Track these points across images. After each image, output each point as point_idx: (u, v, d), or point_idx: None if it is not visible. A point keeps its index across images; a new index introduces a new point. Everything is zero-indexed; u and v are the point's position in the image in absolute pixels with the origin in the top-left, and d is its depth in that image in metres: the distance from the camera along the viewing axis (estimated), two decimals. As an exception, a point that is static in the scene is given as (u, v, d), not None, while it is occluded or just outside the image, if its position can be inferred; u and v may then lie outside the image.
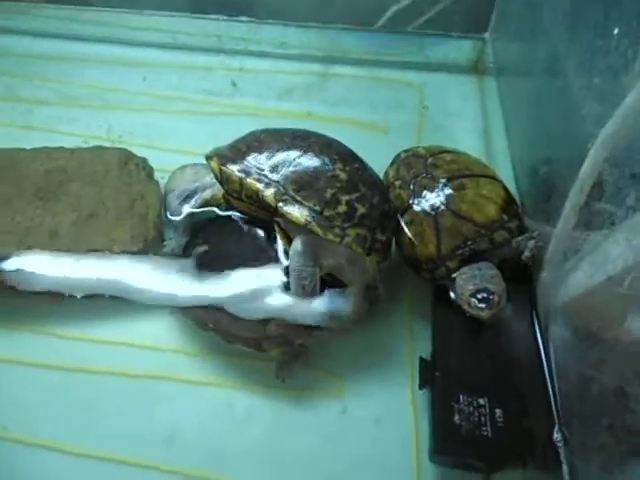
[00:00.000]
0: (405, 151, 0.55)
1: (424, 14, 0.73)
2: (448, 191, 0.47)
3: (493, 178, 0.49)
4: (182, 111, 0.67)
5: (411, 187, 0.49)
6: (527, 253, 0.45)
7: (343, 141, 0.51)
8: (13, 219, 0.51)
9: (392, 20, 0.73)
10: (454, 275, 0.45)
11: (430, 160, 0.51)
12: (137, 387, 0.47)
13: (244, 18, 0.74)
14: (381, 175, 0.54)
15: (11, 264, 0.47)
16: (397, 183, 0.51)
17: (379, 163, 0.54)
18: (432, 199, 0.47)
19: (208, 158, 0.50)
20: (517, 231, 0.46)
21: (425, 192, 0.48)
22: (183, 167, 0.55)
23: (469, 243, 0.45)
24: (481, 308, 0.42)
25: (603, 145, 0.34)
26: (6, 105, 0.67)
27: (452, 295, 0.45)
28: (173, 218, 0.53)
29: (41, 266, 0.48)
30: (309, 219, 0.44)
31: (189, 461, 0.43)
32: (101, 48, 0.74)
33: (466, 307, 0.43)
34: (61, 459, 0.43)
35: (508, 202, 0.48)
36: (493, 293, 0.42)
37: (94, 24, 0.75)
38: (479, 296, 0.42)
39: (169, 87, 0.70)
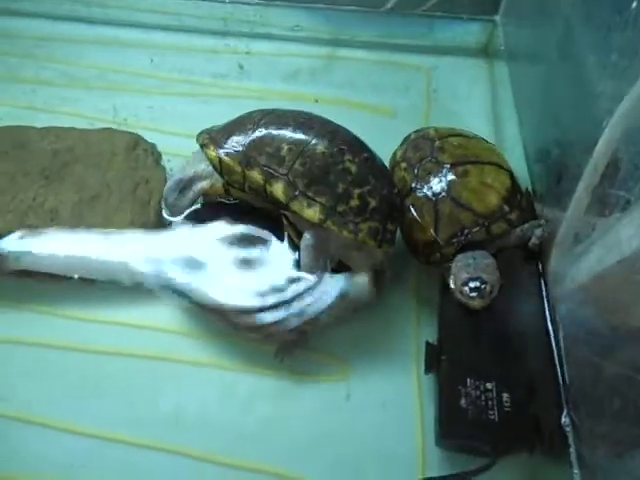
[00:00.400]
0: (416, 132, 0.54)
1: (434, -4, 0.71)
2: (451, 177, 0.46)
3: (500, 166, 0.48)
4: (188, 93, 0.67)
5: (415, 171, 0.49)
6: (534, 240, 0.45)
7: (349, 125, 0.49)
8: (15, 197, 0.51)
9: (401, 2, 0.72)
10: (450, 262, 0.44)
11: (437, 143, 0.50)
12: (140, 368, 0.46)
13: (250, 0, 0.73)
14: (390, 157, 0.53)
15: (11, 243, 0.47)
16: (403, 165, 0.50)
17: (386, 147, 0.54)
18: (434, 184, 0.47)
19: (203, 145, 0.48)
20: (518, 222, 0.45)
21: (428, 177, 0.47)
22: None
23: (466, 232, 0.45)
24: (472, 297, 0.42)
25: (619, 122, 0.33)
26: (11, 86, 0.67)
27: (448, 281, 0.44)
28: (172, 219, 0.51)
29: (41, 246, 0.47)
30: (323, 217, 0.43)
31: (192, 442, 0.43)
32: (107, 30, 0.73)
33: (459, 295, 0.43)
34: (63, 438, 0.43)
35: (512, 192, 0.46)
36: (486, 282, 0.42)
37: (100, 6, 0.75)
38: (471, 285, 0.42)
39: (175, 69, 0.69)
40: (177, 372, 0.46)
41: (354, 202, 0.43)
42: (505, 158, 0.51)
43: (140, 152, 0.56)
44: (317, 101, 0.65)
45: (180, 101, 0.66)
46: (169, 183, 0.51)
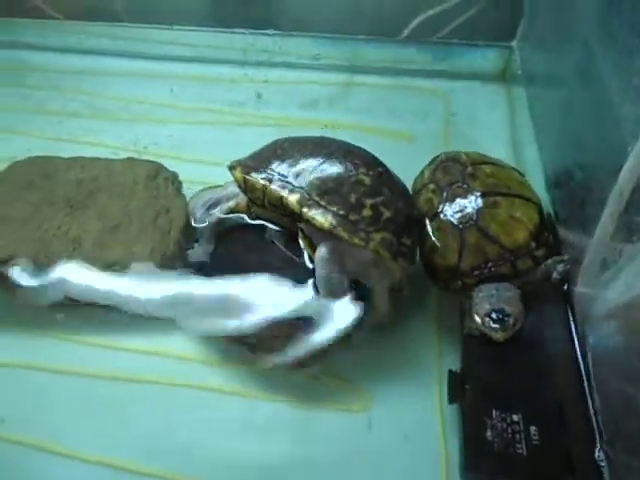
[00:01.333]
0: (446, 153, 0.53)
1: (450, 23, 0.72)
2: (480, 206, 0.46)
3: (529, 200, 0.47)
4: (207, 122, 0.68)
5: (444, 194, 0.48)
6: (555, 275, 0.44)
7: (368, 148, 0.50)
8: (40, 226, 0.52)
9: (417, 30, 0.73)
10: (472, 291, 0.44)
11: (469, 169, 0.49)
12: (159, 395, 0.46)
13: (269, 31, 0.75)
14: (409, 181, 0.53)
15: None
16: (431, 186, 0.50)
17: (404, 172, 0.53)
18: (462, 211, 0.46)
19: (231, 168, 0.50)
20: (544, 259, 0.45)
21: (457, 203, 0.47)
22: (211, 187, 0.55)
23: (490, 265, 0.44)
24: (495, 329, 0.41)
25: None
26: (39, 118, 0.69)
27: (470, 311, 0.43)
28: (198, 225, 0.53)
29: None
30: (334, 223, 0.43)
31: (209, 471, 0.42)
32: (131, 62, 0.76)
33: (480, 326, 0.42)
34: (80, 467, 0.43)
35: (540, 228, 0.45)
36: (509, 315, 0.41)
37: (123, 39, 0.77)
38: (494, 316, 0.41)
39: (195, 99, 0.71)
40: (195, 399, 0.46)
41: (366, 212, 0.44)
42: (534, 191, 0.50)
43: (161, 181, 0.57)
44: (332, 127, 0.66)
45: (199, 130, 0.67)
46: (199, 200, 0.54)
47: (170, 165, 0.58)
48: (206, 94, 0.71)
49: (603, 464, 0.36)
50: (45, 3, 0.78)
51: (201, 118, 0.68)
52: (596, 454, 0.37)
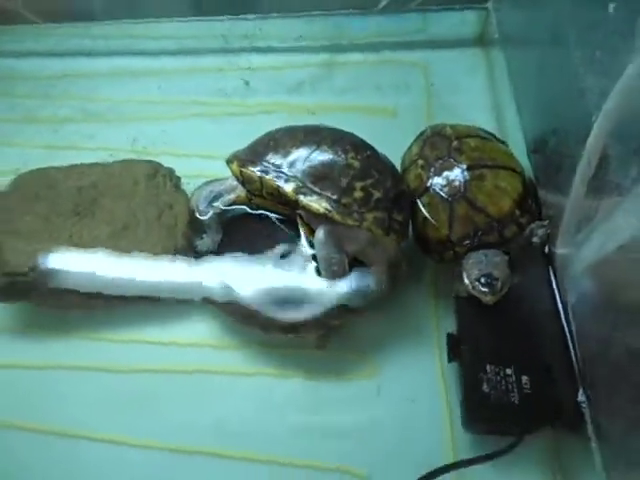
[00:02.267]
0: (432, 128, 0.55)
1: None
2: (467, 179, 0.48)
3: (514, 170, 0.50)
4: (198, 115, 0.69)
5: (432, 169, 0.51)
6: (536, 240, 0.47)
7: (354, 128, 0.52)
8: (52, 236, 0.54)
9: (393, 0, 0.73)
10: (462, 260, 0.47)
11: (455, 144, 0.51)
12: (185, 381, 0.50)
13: (249, 15, 0.76)
14: (396, 156, 0.55)
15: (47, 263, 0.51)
16: (420, 162, 0.52)
17: (390, 147, 0.55)
18: (451, 185, 0.49)
19: (228, 162, 0.53)
20: (528, 225, 0.48)
21: (445, 177, 0.49)
22: (210, 181, 0.57)
23: (479, 234, 0.47)
24: (484, 292, 0.45)
25: (606, 120, 0.35)
26: (33, 127, 0.70)
27: (460, 276, 0.47)
28: (202, 218, 0.56)
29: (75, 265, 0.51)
30: (329, 208, 0.46)
31: (238, 444, 0.47)
32: (114, 61, 0.76)
33: (471, 290, 0.46)
34: (124, 451, 0.47)
35: (524, 197, 0.48)
36: (497, 279, 0.45)
37: (104, 38, 0.77)
38: (483, 280, 0.45)
39: (183, 93, 0.71)
40: (219, 382, 0.50)
41: (357, 194, 0.47)
42: (517, 160, 0.52)
43: (160, 179, 0.59)
44: (318, 109, 0.67)
45: (191, 123, 0.68)
46: (201, 193, 0.56)
47: (167, 161, 0.60)
48: (193, 86, 0.72)
49: (584, 406, 0.41)
50: (23, 8, 0.78)
51: (191, 111, 0.70)
52: (579, 397, 0.41)
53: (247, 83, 0.72)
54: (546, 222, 0.48)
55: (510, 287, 0.46)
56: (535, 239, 0.47)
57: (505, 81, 0.66)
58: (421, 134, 0.56)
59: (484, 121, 0.62)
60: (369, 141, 0.52)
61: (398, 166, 0.55)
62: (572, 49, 0.43)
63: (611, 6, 0.35)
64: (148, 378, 0.51)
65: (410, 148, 0.56)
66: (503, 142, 0.55)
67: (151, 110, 0.71)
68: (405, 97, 0.68)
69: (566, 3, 0.46)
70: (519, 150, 0.57)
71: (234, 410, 0.49)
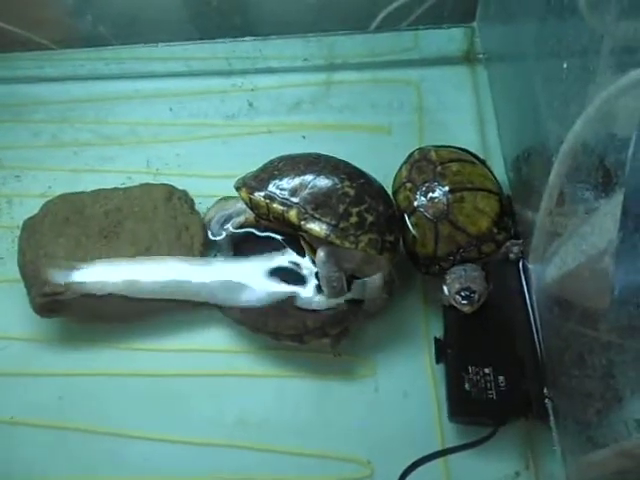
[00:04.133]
0: (419, 151, 0.60)
1: (416, 10, 0.77)
2: (450, 202, 0.54)
3: (490, 191, 0.56)
4: (206, 137, 0.73)
5: (418, 192, 0.57)
6: (512, 256, 0.54)
7: (351, 145, 0.61)
8: (83, 256, 0.60)
9: (385, 20, 0.78)
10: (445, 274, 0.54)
11: (439, 169, 0.57)
12: (208, 383, 0.57)
13: (248, 38, 0.80)
14: (389, 175, 0.61)
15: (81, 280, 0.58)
16: (408, 185, 0.58)
17: (384, 164, 0.61)
18: (435, 207, 0.55)
19: (237, 189, 0.59)
20: (504, 241, 0.55)
21: (430, 200, 0.55)
22: (219, 200, 0.64)
23: (461, 251, 0.54)
24: (464, 304, 0.51)
25: (563, 162, 0.41)
26: (55, 152, 0.74)
27: (443, 288, 0.54)
28: (215, 239, 0.62)
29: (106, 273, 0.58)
30: (328, 232, 0.52)
31: (257, 437, 0.54)
32: (127, 84, 0.79)
33: (452, 301, 0.52)
34: (157, 445, 0.55)
35: (500, 215, 0.55)
36: (475, 292, 0.51)
37: (117, 61, 0.82)
38: (462, 294, 0.51)
39: (192, 115, 0.75)
40: (236, 384, 0.57)
41: (353, 219, 0.53)
42: (495, 180, 0.58)
43: (176, 201, 0.64)
44: (315, 128, 0.72)
45: (201, 145, 0.73)
46: (214, 217, 0.63)
47: (180, 183, 0.66)
48: (202, 109, 0.76)
49: (547, 400, 0.48)
50: (37, 34, 0.83)
51: (201, 133, 0.74)
52: (545, 391, 0.48)
53: (251, 104, 0.77)
54: (520, 241, 0.54)
55: (489, 297, 0.53)
56: (511, 255, 0.54)
57: (489, 100, 0.71)
58: (410, 156, 0.62)
59: (470, 138, 0.67)
60: (365, 158, 0.58)
61: (392, 180, 0.61)
62: (536, 86, 0.49)
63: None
64: (174, 382, 0.58)
65: (400, 170, 0.61)
66: (483, 161, 0.61)
67: (164, 133, 0.75)
68: (398, 115, 0.73)
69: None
70: (499, 168, 0.62)
71: (252, 407, 0.56)
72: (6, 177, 0.72)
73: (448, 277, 0.53)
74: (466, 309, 0.51)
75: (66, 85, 0.82)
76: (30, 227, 0.63)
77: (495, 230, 0.54)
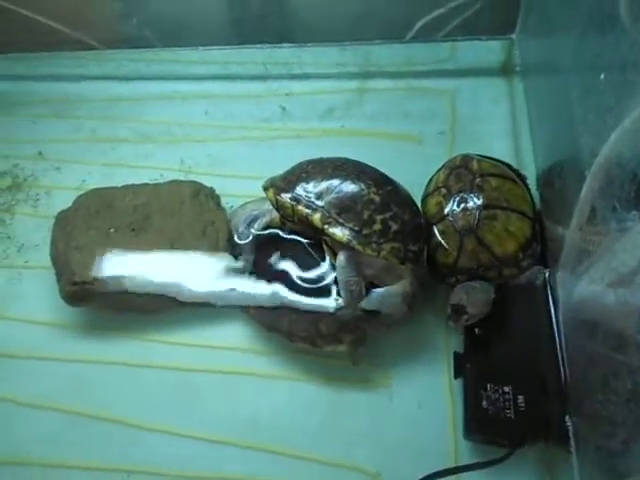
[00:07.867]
0: (462, 157, 0.58)
1: (453, 21, 0.77)
2: (481, 217, 0.53)
3: (525, 214, 0.54)
4: (239, 139, 0.75)
5: (451, 200, 0.55)
6: (538, 282, 0.53)
7: (381, 153, 0.60)
8: (112, 249, 0.62)
9: (421, 30, 0.78)
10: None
11: (478, 180, 0.55)
12: (222, 381, 0.57)
13: (286, 44, 0.82)
14: (418, 184, 0.60)
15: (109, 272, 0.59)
16: (443, 191, 0.56)
17: (413, 173, 0.61)
18: (465, 220, 0.53)
19: (265, 189, 0.59)
20: (528, 268, 0.53)
21: (462, 211, 0.54)
22: (245, 203, 0.64)
23: (481, 269, 0.52)
24: (449, 316, 0.51)
25: (595, 176, 0.39)
26: (93, 146, 0.76)
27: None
28: (240, 242, 0.62)
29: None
30: (350, 238, 0.52)
31: (268, 439, 0.54)
32: (167, 85, 0.82)
33: (446, 309, 0.51)
34: (164, 438, 0.55)
35: (529, 241, 0.53)
36: (467, 313, 0.50)
37: (158, 63, 0.85)
38: (453, 310, 0.51)
39: (227, 117, 0.77)
40: (250, 384, 0.57)
41: (377, 226, 0.52)
42: (532, 202, 0.56)
43: (202, 198, 0.66)
44: (348, 134, 0.72)
45: (233, 146, 0.74)
46: (240, 218, 0.63)
47: (210, 182, 0.67)
48: (237, 111, 0.77)
49: (569, 424, 0.46)
50: (86, 35, 0.86)
51: (234, 135, 0.75)
52: (566, 419, 0.46)
53: (284, 109, 0.78)
54: (547, 270, 0.53)
55: (515, 312, 0.51)
56: (537, 282, 0.52)
57: (524, 112, 0.70)
58: (451, 160, 0.60)
59: (504, 151, 0.66)
60: (395, 166, 0.57)
61: (421, 190, 0.60)
62: (572, 95, 0.48)
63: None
64: (191, 376, 0.58)
65: (438, 173, 0.60)
66: (524, 179, 0.59)
67: (198, 133, 0.77)
68: (430, 124, 0.72)
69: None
70: (531, 181, 0.61)
71: (265, 408, 0.56)
72: (47, 169, 0.75)
73: (457, 287, 0.52)
74: (451, 324, 0.51)
75: (108, 84, 0.85)
76: (63, 219, 0.65)
77: (521, 255, 0.52)
